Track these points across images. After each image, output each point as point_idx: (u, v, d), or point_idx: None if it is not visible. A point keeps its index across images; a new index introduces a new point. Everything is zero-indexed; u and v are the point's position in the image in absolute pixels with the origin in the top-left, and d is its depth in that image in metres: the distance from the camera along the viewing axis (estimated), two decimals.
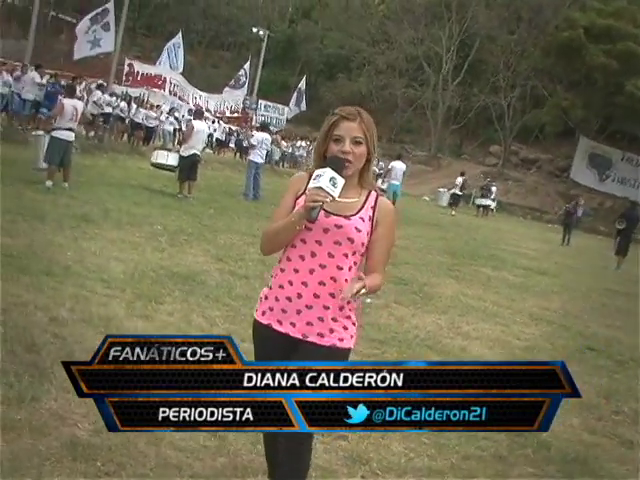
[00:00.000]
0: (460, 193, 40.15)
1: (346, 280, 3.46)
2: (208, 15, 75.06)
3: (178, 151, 19.13)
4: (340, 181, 3.33)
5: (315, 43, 69.28)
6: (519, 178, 59.03)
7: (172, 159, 19.12)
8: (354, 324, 3.64)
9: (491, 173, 56.13)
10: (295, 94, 53.62)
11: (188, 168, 18.06)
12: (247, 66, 52.43)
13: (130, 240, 10.94)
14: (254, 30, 59.71)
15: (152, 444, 4.43)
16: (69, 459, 4.06)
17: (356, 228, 3.49)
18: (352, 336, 3.62)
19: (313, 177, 3.37)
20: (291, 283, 3.53)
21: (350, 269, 3.52)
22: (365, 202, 3.59)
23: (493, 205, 43.38)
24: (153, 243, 11.10)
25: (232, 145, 42.42)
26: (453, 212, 36.58)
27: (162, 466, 4.23)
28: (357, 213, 3.53)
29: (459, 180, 40.85)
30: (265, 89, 60.68)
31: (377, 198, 3.63)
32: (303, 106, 53.88)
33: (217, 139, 42.29)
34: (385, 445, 5.18)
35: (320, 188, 3.30)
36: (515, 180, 58.42)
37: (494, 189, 44.10)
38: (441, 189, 39.88)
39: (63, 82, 25.91)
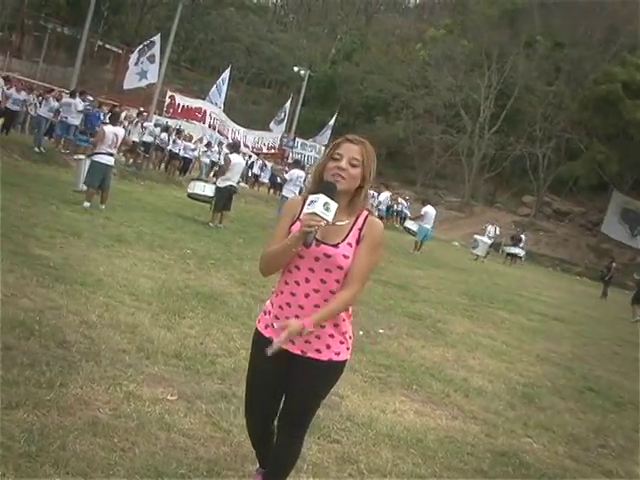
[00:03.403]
0: (492, 241, 40.46)
1: None
2: (251, 52, 76.46)
3: (214, 182, 19.67)
4: (333, 205, 3.58)
5: (355, 85, 70.04)
6: (550, 229, 59.20)
7: (209, 190, 19.67)
8: (350, 337, 3.97)
9: (523, 223, 56.33)
10: (327, 131, 53.92)
11: (224, 199, 18.66)
12: (288, 104, 53.23)
13: (160, 261, 11.55)
14: (295, 69, 60.77)
15: (164, 429, 5.00)
16: (90, 434, 4.63)
17: (344, 255, 3.75)
18: (348, 348, 3.95)
19: (307, 203, 3.62)
20: (289, 305, 3.82)
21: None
22: (353, 225, 3.81)
23: (522, 254, 43.53)
24: (181, 265, 11.70)
25: (266, 180, 43.10)
26: (483, 259, 36.90)
27: (170, 447, 4.77)
28: (345, 239, 3.77)
29: (490, 228, 41.35)
30: (304, 127, 61.47)
31: (367, 217, 3.85)
32: (325, 139, 53.93)
33: (253, 174, 42.99)
34: (375, 451, 5.69)
35: (314, 214, 3.56)
36: (546, 231, 58.60)
37: (524, 238, 44.37)
38: (476, 236, 40.10)
39: (105, 109, 26.81)
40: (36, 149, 24.11)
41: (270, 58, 77.13)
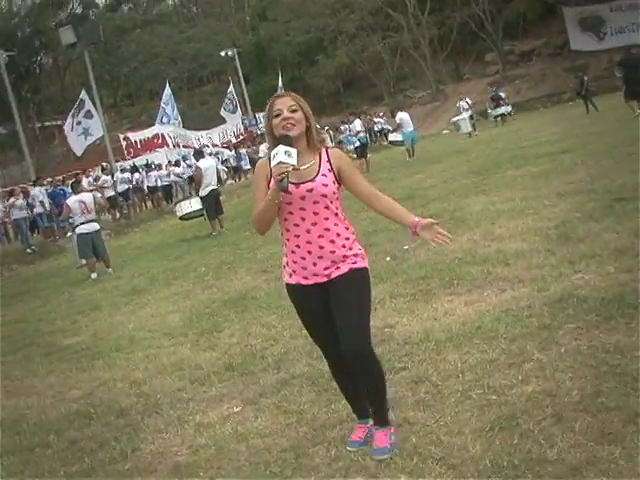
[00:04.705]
0: (470, 112, 40.23)
1: (336, 224, 4.28)
2: (176, 60, 76.10)
3: (197, 195, 19.64)
4: (293, 151, 4.06)
5: (282, 39, 69.52)
6: (523, 73, 58.67)
7: (195, 204, 19.60)
8: (361, 249, 4.42)
9: (497, 81, 55.81)
10: (280, 92, 53.62)
11: (213, 204, 18.63)
12: (231, 89, 52.99)
13: (180, 291, 11.62)
14: (222, 54, 60.39)
15: (242, 441, 5.04)
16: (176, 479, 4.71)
17: (323, 184, 4.23)
18: (363, 258, 4.40)
19: (272, 158, 4.09)
20: (299, 246, 4.29)
21: (336, 215, 4.31)
22: (320, 160, 4.30)
23: (509, 109, 43.27)
24: (201, 284, 11.74)
25: (247, 167, 43.04)
26: (476, 133, 36.73)
27: (253, 454, 4.78)
28: (318, 172, 4.25)
29: (462, 103, 41.20)
30: (258, 101, 61.23)
31: (327, 151, 4.37)
32: None
33: (232, 167, 42.94)
34: (441, 359, 5.70)
35: (280, 162, 4.02)
36: (521, 77, 58.12)
37: (503, 94, 44.05)
38: (454, 118, 40.00)
39: (70, 182, 26.88)
40: (28, 250, 24.27)
41: (195, 56, 76.67)
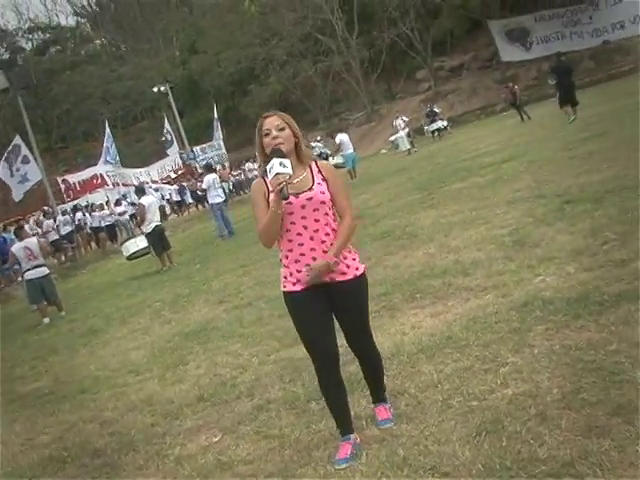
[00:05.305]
0: (408, 130, 40.65)
1: (334, 230, 4.57)
2: (109, 99, 75.70)
3: (142, 232, 19.53)
4: (287, 161, 4.31)
5: (214, 70, 69.51)
6: (456, 88, 59.24)
7: (141, 242, 19.57)
8: (357, 253, 4.77)
9: (429, 97, 56.48)
10: (215, 125, 53.26)
11: (159, 241, 18.51)
12: (166, 124, 52.86)
13: (138, 328, 11.48)
14: (155, 90, 60.19)
15: (226, 469, 4.98)
16: None
17: (321, 192, 4.53)
18: (360, 262, 4.74)
19: (268, 171, 4.32)
20: (303, 254, 4.53)
21: (334, 220, 4.61)
22: (312, 172, 4.60)
23: (444, 124, 43.73)
24: (158, 319, 11.64)
25: (190, 200, 42.94)
26: (415, 149, 37.09)
27: None
28: (313, 182, 4.55)
29: (398, 121, 41.64)
30: (195, 134, 61.25)
31: (317, 163, 4.67)
32: (219, 133, 53.17)
33: (176, 202, 42.82)
34: (416, 371, 5.72)
35: (277, 174, 4.25)
36: (453, 91, 58.70)
37: (438, 110, 44.54)
38: (391, 137, 40.43)
39: (12, 228, 26.54)
40: None
41: (127, 94, 76.58)
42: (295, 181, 4.45)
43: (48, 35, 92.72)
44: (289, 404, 5.84)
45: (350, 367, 6.04)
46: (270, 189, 4.44)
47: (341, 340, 4.77)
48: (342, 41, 62.65)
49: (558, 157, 15.38)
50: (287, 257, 4.60)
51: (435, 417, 4.75)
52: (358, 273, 4.66)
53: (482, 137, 30.00)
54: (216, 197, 21.99)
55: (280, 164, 4.27)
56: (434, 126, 42.45)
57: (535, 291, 6.71)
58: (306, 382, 6.17)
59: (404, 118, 42.75)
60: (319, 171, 4.62)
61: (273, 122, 4.52)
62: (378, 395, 5.07)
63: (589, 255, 7.37)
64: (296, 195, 4.46)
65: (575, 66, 28.41)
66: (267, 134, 4.50)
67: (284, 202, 4.38)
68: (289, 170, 4.30)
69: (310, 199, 4.49)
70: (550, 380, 4.75)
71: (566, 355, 5.07)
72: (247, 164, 48.25)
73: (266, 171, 4.39)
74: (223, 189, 24.75)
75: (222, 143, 53.17)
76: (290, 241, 4.55)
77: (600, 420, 4.05)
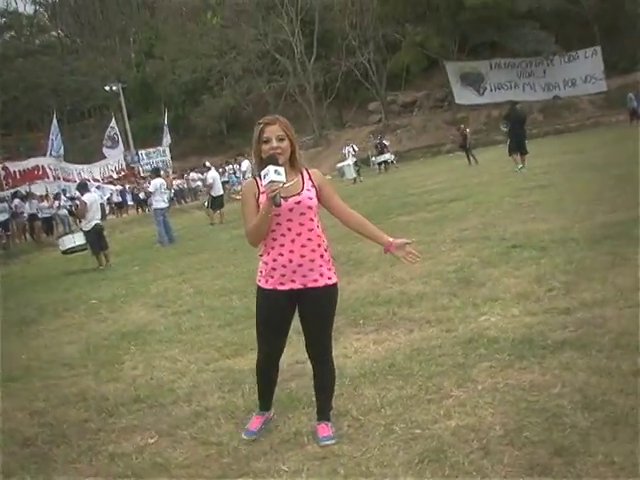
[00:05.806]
0: (355, 159, 40.87)
1: (318, 236, 4.79)
2: (59, 92, 74.80)
3: (81, 229, 19.33)
4: (281, 169, 4.49)
5: (168, 77, 69.29)
6: (405, 123, 60.04)
7: (79, 239, 19.37)
8: (333, 264, 4.98)
9: (379, 129, 56.99)
10: (165, 130, 52.96)
11: (97, 240, 18.36)
12: (114, 123, 52.39)
13: (73, 323, 11.29)
14: (107, 88, 59.72)
15: (163, 471, 4.95)
16: None
17: (309, 197, 4.74)
18: (335, 272, 4.96)
19: (262, 177, 4.52)
20: (282, 254, 4.75)
21: (318, 226, 4.80)
22: (303, 178, 4.81)
23: (391, 158, 44.10)
24: (95, 317, 11.47)
25: (131, 202, 42.60)
26: (361, 179, 37.34)
27: None
28: (303, 188, 4.76)
29: (348, 149, 41.88)
30: (140, 137, 60.80)
31: (308, 171, 4.89)
32: (167, 140, 52.91)
33: (116, 203, 42.45)
34: (359, 394, 5.74)
35: (272, 181, 4.44)
36: (403, 126, 59.42)
37: (387, 142, 44.95)
38: (339, 164, 40.65)
39: None
40: None
41: (78, 89, 75.73)
42: (286, 185, 4.59)
43: (4, 19, 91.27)
44: (228, 413, 5.81)
45: (291, 383, 6.10)
46: (261, 190, 4.65)
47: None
48: (299, 63, 63.03)
49: (505, 202, 15.63)
50: (268, 254, 4.82)
51: (377, 440, 4.78)
52: (330, 282, 4.87)
53: (429, 174, 30.37)
54: (160, 202, 21.89)
55: (275, 172, 4.45)
56: (381, 158, 42.88)
57: (480, 329, 6.81)
58: (246, 394, 6.15)
59: (354, 147, 43.01)
60: (310, 178, 4.84)
61: (275, 132, 4.67)
62: (324, 413, 5.13)
63: (534, 300, 7.52)
64: (285, 198, 4.63)
65: None
66: (266, 141, 4.67)
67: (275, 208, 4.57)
68: (283, 178, 4.48)
69: (298, 203, 4.70)
70: (493, 416, 4.83)
71: (510, 394, 5.16)
72: (192, 174, 47.97)
73: (260, 175, 4.61)
74: (168, 196, 24.65)
75: (168, 150, 52.94)
76: (274, 240, 4.76)
77: (542, 459, 4.13)
